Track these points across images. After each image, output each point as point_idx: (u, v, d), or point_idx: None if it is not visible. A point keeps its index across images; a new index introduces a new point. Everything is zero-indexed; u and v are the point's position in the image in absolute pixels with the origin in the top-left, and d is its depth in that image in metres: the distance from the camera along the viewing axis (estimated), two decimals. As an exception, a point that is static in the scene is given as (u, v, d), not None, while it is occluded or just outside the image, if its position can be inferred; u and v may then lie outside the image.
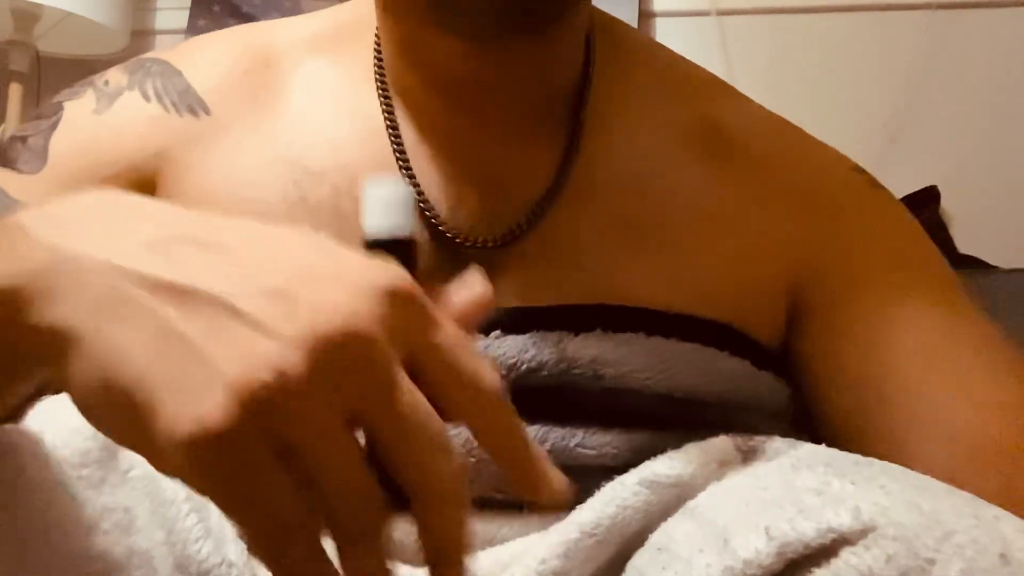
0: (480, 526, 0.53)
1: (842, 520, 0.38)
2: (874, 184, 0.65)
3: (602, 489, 0.51)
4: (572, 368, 0.55)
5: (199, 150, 0.61)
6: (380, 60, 0.63)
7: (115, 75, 0.65)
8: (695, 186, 0.61)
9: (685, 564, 0.43)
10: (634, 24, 1.59)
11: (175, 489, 0.50)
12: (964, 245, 1.49)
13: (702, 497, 0.47)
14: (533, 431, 0.54)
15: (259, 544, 0.30)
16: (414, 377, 0.33)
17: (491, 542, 0.52)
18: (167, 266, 0.31)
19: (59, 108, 0.64)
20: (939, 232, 1.47)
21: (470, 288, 0.38)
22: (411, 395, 0.32)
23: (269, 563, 0.30)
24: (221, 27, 0.70)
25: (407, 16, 0.59)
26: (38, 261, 0.32)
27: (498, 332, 0.55)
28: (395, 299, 0.32)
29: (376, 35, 0.63)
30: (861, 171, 0.66)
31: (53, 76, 1.73)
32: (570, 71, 0.62)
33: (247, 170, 0.60)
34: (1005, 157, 1.56)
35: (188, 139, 0.61)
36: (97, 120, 0.62)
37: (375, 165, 0.59)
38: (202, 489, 0.30)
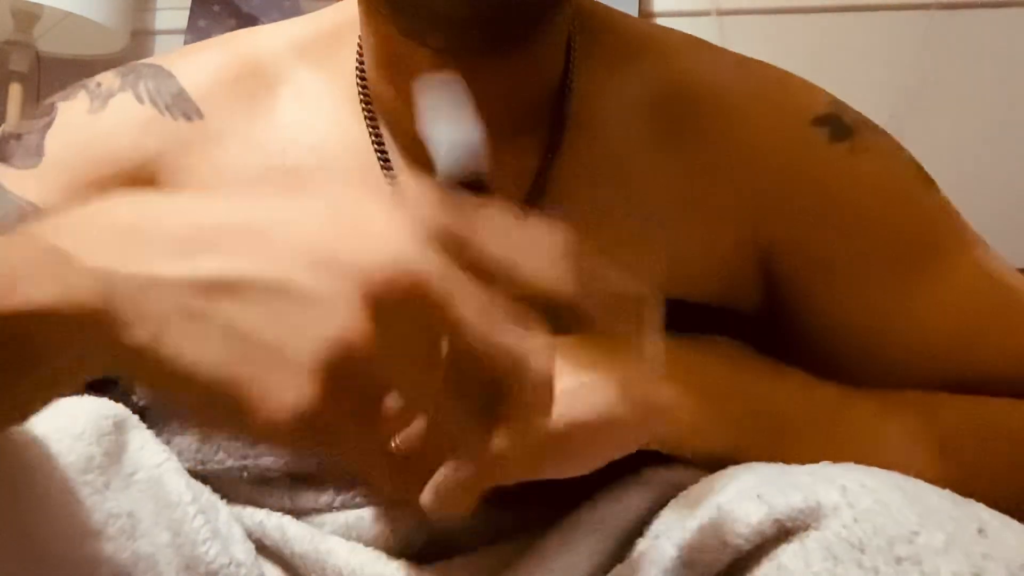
0: (486, 522, 0.53)
1: (831, 495, 0.40)
2: (836, 136, 0.63)
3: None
4: None
5: (193, 156, 0.61)
6: (362, 68, 0.63)
7: (107, 78, 0.65)
8: (668, 166, 0.61)
9: (678, 527, 0.44)
10: (634, 24, 1.59)
11: (180, 492, 0.50)
12: (964, 245, 1.50)
13: (696, 487, 0.48)
14: None
15: (392, 478, 0.34)
16: None
17: (497, 537, 0.53)
18: (208, 266, 0.32)
19: (52, 108, 0.64)
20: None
21: None
22: (477, 298, 0.33)
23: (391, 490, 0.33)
24: (221, 27, 0.71)
25: (385, 28, 0.59)
26: (95, 289, 0.32)
27: None
28: (435, 236, 0.33)
29: (359, 47, 0.63)
30: (824, 121, 0.63)
31: (53, 76, 1.73)
32: (550, 74, 0.62)
33: (241, 179, 0.60)
34: (1005, 157, 1.56)
35: (182, 144, 0.61)
36: (92, 119, 0.63)
37: (362, 177, 0.60)
38: (319, 452, 0.33)
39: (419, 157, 0.59)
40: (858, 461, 0.44)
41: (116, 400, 0.52)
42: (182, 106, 0.63)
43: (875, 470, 0.42)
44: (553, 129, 0.61)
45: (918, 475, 0.43)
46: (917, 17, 1.58)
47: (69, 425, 0.47)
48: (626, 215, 0.60)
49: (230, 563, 0.48)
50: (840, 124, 0.63)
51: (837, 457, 0.45)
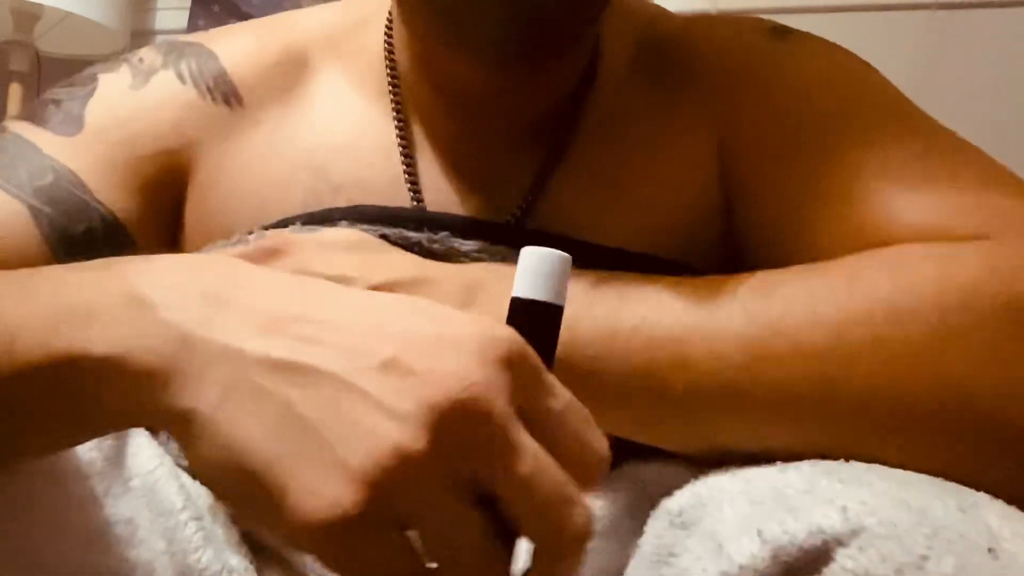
0: None
1: (832, 521, 0.38)
2: (775, 36, 0.63)
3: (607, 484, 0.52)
4: None
5: (231, 144, 0.61)
6: (393, 67, 0.63)
7: (148, 54, 0.65)
8: (657, 128, 0.62)
9: (683, 572, 0.43)
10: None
11: (172, 499, 0.50)
12: (964, 245, 1.49)
13: (694, 509, 0.47)
14: None
15: None
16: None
17: None
18: (284, 347, 0.31)
19: (94, 79, 0.64)
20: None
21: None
22: (535, 457, 0.31)
23: None
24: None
25: (429, 36, 0.60)
26: (168, 344, 0.32)
27: None
28: (509, 362, 0.32)
29: (387, 39, 0.63)
30: (768, 30, 0.64)
31: (53, 76, 1.73)
32: (577, 74, 0.63)
33: (273, 174, 0.61)
34: (1005, 157, 1.56)
35: (221, 130, 0.62)
36: (133, 96, 0.62)
37: (387, 182, 0.60)
38: (334, 566, 0.31)
39: (448, 158, 0.61)
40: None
41: None
42: (223, 89, 0.63)
43: (872, 479, 0.41)
44: (566, 124, 0.62)
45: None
46: (917, 17, 1.57)
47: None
48: (617, 176, 0.60)
49: (222, 570, 0.48)
50: (782, 28, 0.64)
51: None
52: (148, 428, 0.43)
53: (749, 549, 0.40)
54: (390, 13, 0.64)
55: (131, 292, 0.33)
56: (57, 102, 0.62)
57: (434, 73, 0.61)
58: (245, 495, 0.31)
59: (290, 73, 0.64)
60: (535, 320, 0.37)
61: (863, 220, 0.51)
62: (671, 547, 0.45)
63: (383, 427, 0.29)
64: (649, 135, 0.62)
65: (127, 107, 0.62)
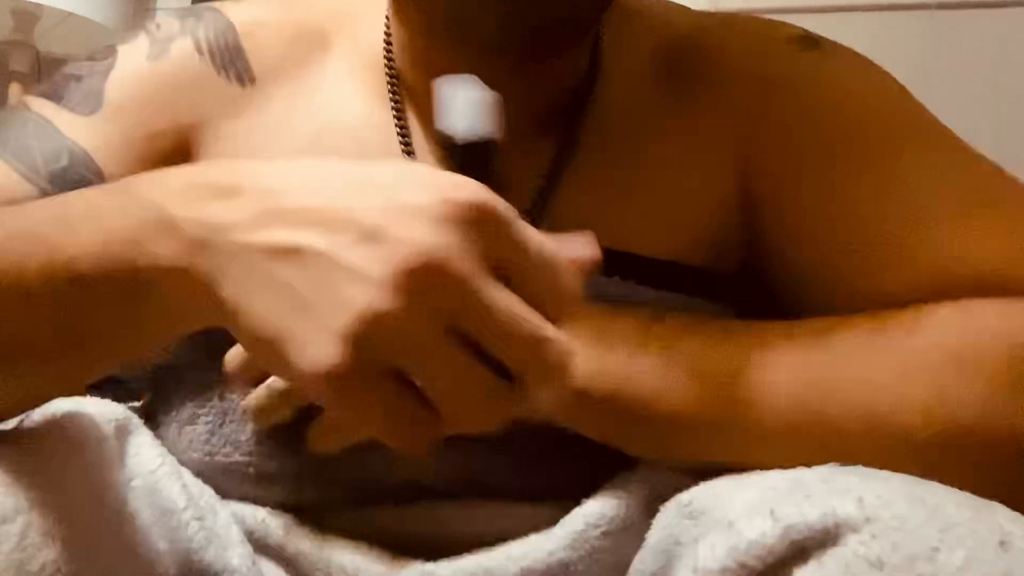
0: (490, 521, 0.53)
1: (847, 509, 0.39)
2: (806, 47, 0.62)
3: (611, 481, 0.52)
4: None
5: (240, 124, 0.61)
6: (390, 54, 0.62)
7: (166, 21, 0.65)
8: (675, 128, 0.61)
9: (690, 548, 0.43)
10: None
11: (175, 498, 0.50)
12: (964, 245, 1.49)
13: (706, 499, 0.47)
14: None
15: (395, 439, 0.37)
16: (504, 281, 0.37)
17: (502, 537, 0.53)
18: (277, 233, 0.37)
19: (113, 52, 0.64)
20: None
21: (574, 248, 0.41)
22: (502, 299, 0.36)
23: (403, 448, 0.37)
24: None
25: (425, 32, 0.59)
26: (194, 250, 0.38)
27: None
28: (474, 220, 0.36)
29: (386, 32, 0.63)
30: (797, 40, 0.63)
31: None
32: (580, 70, 0.62)
33: (279, 159, 0.61)
34: (1005, 157, 1.56)
35: (232, 109, 0.62)
36: (151, 68, 0.63)
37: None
38: (341, 411, 0.37)
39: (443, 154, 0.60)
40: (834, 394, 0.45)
41: (119, 399, 0.52)
42: (238, 66, 0.63)
43: (888, 476, 0.41)
44: (573, 121, 0.61)
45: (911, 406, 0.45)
46: (917, 17, 1.57)
47: (71, 431, 0.47)
48: (632, 179, 0.60)
49: (224, 569, 0.49)
50: (811, 39, 0.63)
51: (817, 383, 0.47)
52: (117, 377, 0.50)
53: (760, 527, 0.40)
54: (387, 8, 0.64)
55: (160, 208, 0.39)
56: (78, 78, 0.62)
57: (431, 68, 0.60)
58: (270, 359, 0.37)
59: (305, 51, 0.63)
60: (473, 155, 0.40)
61: (922, 267, 0.52)
62: (678, 536, 0.45)
63: (360, 292, 0.35)
64: (663, 135, 0.61)
65: (145, 80, 0.62)
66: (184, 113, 0.61)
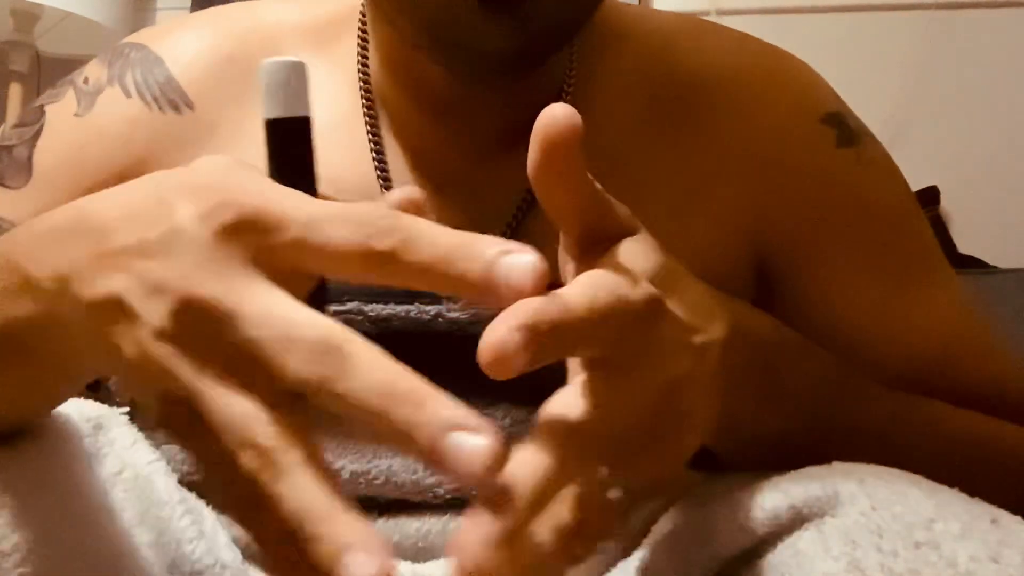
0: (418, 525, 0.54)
1: (849, 486, 0.40)
2: (843, 141, 0.62)
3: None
4: None
5: (185, 153, 0.59)
6: (365, 68, 0.61)
7: (95, 70, 0.63)
8: (667, 161, 0.60)
9: (689, 513, 0.45)
10: (634, 24, 1.58)
11: (170, 491, 0.49)
12: (964, 245, 1.49)
13: (701, 487, 0.49)
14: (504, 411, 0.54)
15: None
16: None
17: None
18: (99, 281, 0.35)
19: (41, 114, 0.62)
20: (939, 232, 1.47)
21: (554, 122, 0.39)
22: (263, 309, 0.33)
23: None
24: (221, 27, 0.68)
25: (395, 36, 0.58)
26: (47, 301, 0.36)
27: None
28: (236, 229, 0.34)
29: (361, 39, 0.61)
30: (832, 121, 0.62)
31: (53, 76, 1.72)
32: (556, 80, 0.61)
33: None
34: (1005, 157, 1.56)
35: (172, 140, 0.60)
36: (79, 124, 0.61)
37: (359, 181, 0.58)
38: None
39: (420, 164, 0.59)
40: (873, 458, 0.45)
41: (102, 400, 0.51)
42: (171, 96, 0.61)
43: (892, 469, 0.43)
44: None
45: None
46: (917, 17, 1.57)
47: (50, 429, 0.46)
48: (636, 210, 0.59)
49: (215, 564, 0.48)
50: (846, 128, 0.62)
51: (859, 450, 0.46)
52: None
53: (763, 494, 0.42)
54: (363, 16, 0.62)
55: (12, 264, 0.38)
56: (8, 149, 0.62)
57: (408, 79, 0.59)
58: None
59: (246, 67, 0.61)
60: (287, 137, 0.38)
61: (1004, 385, 0.60)
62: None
63: (146, 338, 0.33)
64: (653, 164, 0.60)
65: (74, 139, 0.61)
66: (120, 158, 0.60)
